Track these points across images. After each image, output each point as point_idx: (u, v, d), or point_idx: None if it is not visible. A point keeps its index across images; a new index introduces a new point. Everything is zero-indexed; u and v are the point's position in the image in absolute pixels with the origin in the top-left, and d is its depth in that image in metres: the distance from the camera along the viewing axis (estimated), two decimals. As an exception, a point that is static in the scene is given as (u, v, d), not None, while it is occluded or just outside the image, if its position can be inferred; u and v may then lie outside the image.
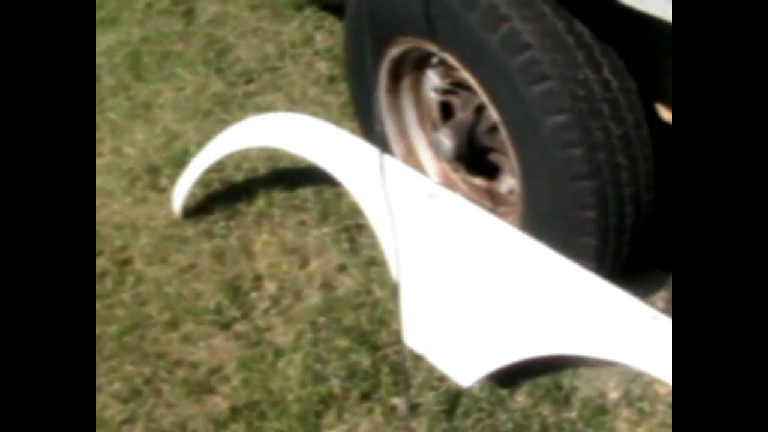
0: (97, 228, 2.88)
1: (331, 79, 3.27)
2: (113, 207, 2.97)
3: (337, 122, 2.96)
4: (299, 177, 2.91)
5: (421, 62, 2.41)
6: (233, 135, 2.69)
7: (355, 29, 2.45)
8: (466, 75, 2.17)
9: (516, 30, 1.96)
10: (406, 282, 2.23)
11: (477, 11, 2.01)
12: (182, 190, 2.83)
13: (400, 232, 2.21)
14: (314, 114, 3.08)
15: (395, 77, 2.47)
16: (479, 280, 2.12)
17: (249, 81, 3.33)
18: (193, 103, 3.29)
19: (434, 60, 2.33)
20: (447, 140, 2.33)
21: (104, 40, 3.66)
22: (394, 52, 2.37)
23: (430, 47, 2.23)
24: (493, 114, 2.15)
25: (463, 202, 2.16)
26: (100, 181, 3.06)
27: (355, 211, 2.77)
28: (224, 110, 3.23)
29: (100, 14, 3.81)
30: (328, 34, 3.49)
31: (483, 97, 2.15)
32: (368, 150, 2.30)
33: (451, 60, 2.18)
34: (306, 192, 2.87)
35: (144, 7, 3.80)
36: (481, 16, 2.00)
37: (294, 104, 3.19)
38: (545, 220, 2.15)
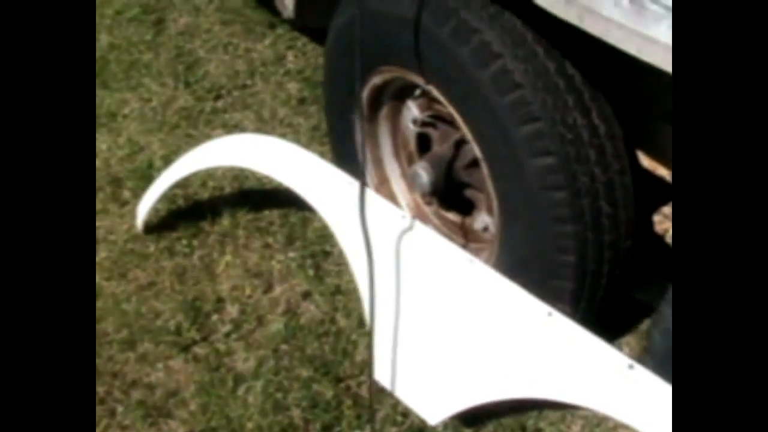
0: (54, 238, 2.80)
1: (301, 101, 3.23)
2: (72, 217, 2.88)
3: (306, 145, 2.94)
4: (265, 199, 2.87)
5: (401, 92, 2.38)
6: (206, 152, 2.63)
7: (337, 54, 2.42)
8: (450, 109, 2.14)
9: (507, 69, 1.94)
10: (377, 315, 2.19)
11: (468, 47, 1.99)
12: (146, 205, 2.76)
13: (374, 265, 2.17)
14: (283, 135, 3.06)
15: (374, 106, 2.43)
16: (452, 318, 2.09)
17: (218, 97, 3.27)
18: (160, 115, 3.23)
19: (417, 92, 2.30)
20: (424, 173, 2.30)
21: (70, 44, 3.57)
22: (375, 80, 2.34)
23: (415, 79, 2.20)
24: (475, 151, 2.13)
25: (438, 239, 2.13)
26: (59, 189, 2.98)
27: (322, 237, 2.73)
28: (191, 125, 3.17)
29: (66, 18, 3.72)
30: (300, 54, 3.45)
31: (467, 134, 2.13)
32: (348, 181, 2.25)
33: (436, 93, 2.16)
34: (272, 214, 2.82)
35: (113, 13, 3.72)
36: (472, 52, 1.98)
37: (263, 124, 3.14)
38: (522, 261, 2.13)
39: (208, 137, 3.10)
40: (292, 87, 3.29)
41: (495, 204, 2.15)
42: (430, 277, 2.13)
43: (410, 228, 2.15)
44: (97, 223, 2.86)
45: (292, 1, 2.51)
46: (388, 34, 2.17)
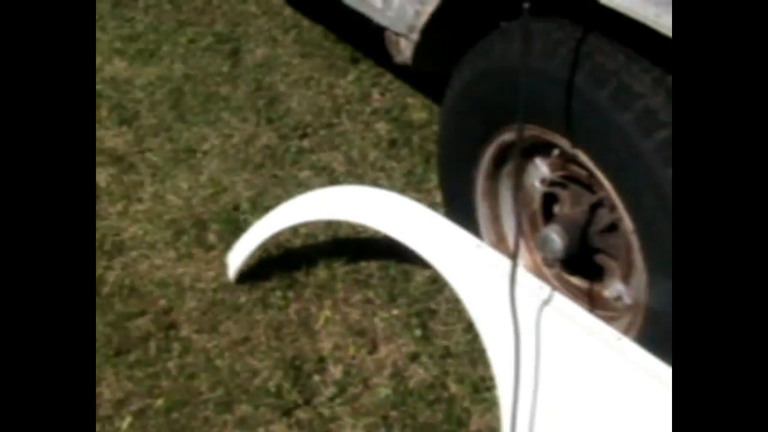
0: (138, 283, 2.67)
1: (392, 143, 3.09)
2: (155, 261, 2.75)
3: (402, 192, 2.81)
4: (361, 249, 2.72)
5: (531, 150, 2.24)
6: (309, 203, 2.48)
7: (463, 107, 2.28)
8: (598, 175, 2.00)
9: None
10: (510, 390, 2.05)
11: (629, 113, 1.85)
12: (238, 256, 2.61)
13: (508, 341, 2.02)
14: (376, 180, 2.93)
15: (497, 162, 2.30)
16: (596, 399, 1.95)
17: (303, 136, 3.13)
18: (242, 153, 3.08)
19: (555, 152, 2.16)
20: (557, 238, 2.16)
21: (144, 74, 3.44)
22: (506, 137, 2.20)
23: (556, 140, 2.07)
24: (626, 222, 1.99)
25: (582, 313, 1.99)
26: (139, 229, 2.84)
27: (426, 293, 2.59)
28: (277, 165, 3.03)
29: (137, 46, 3.59)
30: (386, 92, 3.32)
31: (617, 202, 1.99)
32: (476, 244, 2.11)
33: (584, 158, 2.02)
34: (370, 266, 2.68)
35: (186, 42, 3.59)
36: (635, 118, 1.84)
37: (353, 167, 3.00)
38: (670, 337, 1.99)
39: (295, 179, 2.97)
40: (381, 127, 3.15)
41: (644, 276, 2.01)
42: (572, 354, 1.98)
43: (549, 300, 2.01)
44: (182, 269, 2.72)
45: (410, 46, 2.37)
46: (532, 92, 2.03)
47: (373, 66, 3.40)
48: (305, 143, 3.11)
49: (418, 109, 3.21)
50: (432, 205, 2.68)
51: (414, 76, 3.17)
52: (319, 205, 2.47)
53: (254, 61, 3.48)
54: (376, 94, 3.30)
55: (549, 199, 2.31)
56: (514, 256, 1.88)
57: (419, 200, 2.67)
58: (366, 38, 3.41)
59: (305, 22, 3.64)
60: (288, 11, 3.71)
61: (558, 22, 1.99)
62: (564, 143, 2.05)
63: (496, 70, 2.13)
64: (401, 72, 3.33)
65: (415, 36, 2.34)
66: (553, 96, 1.98)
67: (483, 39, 2.20)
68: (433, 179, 2.92)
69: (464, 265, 2.15)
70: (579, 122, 1.96)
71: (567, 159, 2.15)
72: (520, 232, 1.99)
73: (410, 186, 2.91)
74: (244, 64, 3.47)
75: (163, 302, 2.62)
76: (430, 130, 3.13)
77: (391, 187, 2.88)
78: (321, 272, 2.66)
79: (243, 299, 2.61)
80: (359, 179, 2.94)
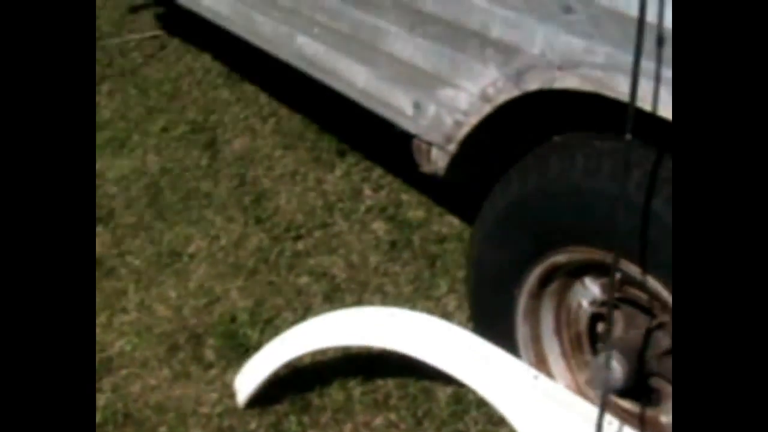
0: (132, 408, 2.44)
1: (392, 245, 2.92)
2: (149, 381, 2.52)
3: (411, 300, 2.67)
4: (375, 364, 2.54)
5: (582, 270, 2.11)
6: (331, 325, 2.30)
7: (509, 224, 2.14)
8: (670, 301, 1.88)
9: None
10: None
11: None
12: (248, 383, 2.41)
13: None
14: (380, 286, 2.77)
15: (543, 282, 2.16)
16: None
17: (297, 237, 2.94)
18: (232, 257, 2.88)
19: (617, 275, 2.03)
20: (618, 366, 2.02)
21: (116, 166, 3.21)
22: (559, 258, 2.06)
23: (625, 266, 1.93)
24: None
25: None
26: (127, 344, 2.62)
27: (453, 414, 2.43)
28: (272, 271, 2.83)
29: (105, 134, 3.37)
30: (378, 188, 3.16)
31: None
32: (533, 375, 1.97)
33: (655, 284, 1.89)
34: (387, 384, 2.50)
35: (158, 131, 3.37)
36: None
37: (355, 272, 2.82)
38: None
39: (293, 286, 2.79)
40: (378, 227, 2.99)
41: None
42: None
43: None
44: (181, 391, 2.49)
45: (444, 158, 2.22)
46: (600, 216, 1.91)
47: (362, 159, 3.24)
48: (300, 246, 2.92)
49: (414, 206, 3.06)
50: (445, 315, 2.55)
51: (406, 171, 3.02)
52: (343, 328, 2.29)
53: (233, 154, 3.28)
54: (368, 191, 3.14)
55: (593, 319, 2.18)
56: (600, 411, 1.74)
57: (430, 309, 2.54)
58: (350, 129, 3.27)
59: (283, 111, 3.47)
60: (263, 98, 3.54)
61: (628, 142, 1.87)
62: (632, 269, 1.92)
63: (552, 188, 2.00)
64: (391, 166, 3.19)
65: (452, 147, 2.19)
66: (626, 221, 1.85)
67: (533, 153, 2.07)
68: (442, 285, 2.77)
69: (522, 398, 2.00)
70: (655, 249, 1.84)
71: (626, 282, 2.03)
72: (604, 398, 1.85)
73: (419, 293, 2.74)
74: (223, 157, 3.27)
75: (163, 430, 2.38)
76: (429, 230, 2.98)
77: (399, 295, 2.72)
78: (336, 393, 2.47)
79: (253, 425, 2.40)
80: (362, 286, 2.77)
